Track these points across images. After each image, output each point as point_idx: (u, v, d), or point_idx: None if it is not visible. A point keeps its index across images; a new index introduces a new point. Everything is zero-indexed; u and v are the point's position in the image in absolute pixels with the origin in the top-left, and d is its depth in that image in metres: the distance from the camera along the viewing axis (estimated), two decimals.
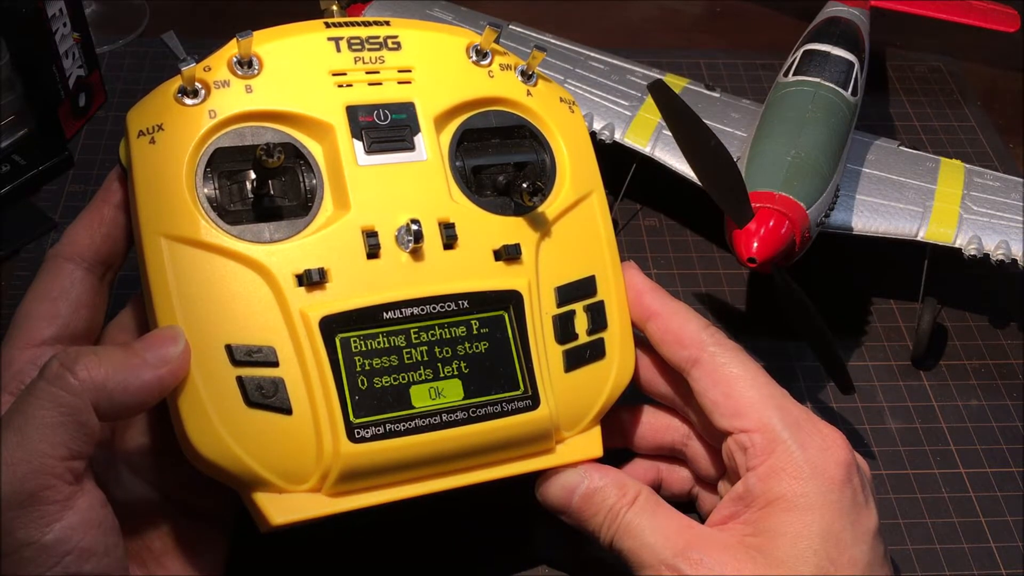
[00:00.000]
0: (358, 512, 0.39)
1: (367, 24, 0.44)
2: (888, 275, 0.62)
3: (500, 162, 0.44)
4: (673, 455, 0.48)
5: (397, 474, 0.39)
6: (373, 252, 0.40)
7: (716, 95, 0.64)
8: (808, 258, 0.53)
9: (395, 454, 0.39)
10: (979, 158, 0.71)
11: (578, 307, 0.43)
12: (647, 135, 0.61)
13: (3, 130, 0.63)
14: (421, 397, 0.40)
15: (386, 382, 0.39)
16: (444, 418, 0.40)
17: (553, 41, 0.67)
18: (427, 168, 0.42)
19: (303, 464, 0.38)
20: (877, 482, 0.51)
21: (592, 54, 0.67)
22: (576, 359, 0.43)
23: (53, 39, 0.62)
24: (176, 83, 0.40)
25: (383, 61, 0.43)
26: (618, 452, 0.47)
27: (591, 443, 0.43)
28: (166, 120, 0.39)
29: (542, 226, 0.44)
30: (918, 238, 0.56)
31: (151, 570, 0.41)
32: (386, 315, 0.40)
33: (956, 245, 0.56)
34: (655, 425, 0.47)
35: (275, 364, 0.38)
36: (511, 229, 0.43)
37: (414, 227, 0.40)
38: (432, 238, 0.41)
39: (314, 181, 0.41)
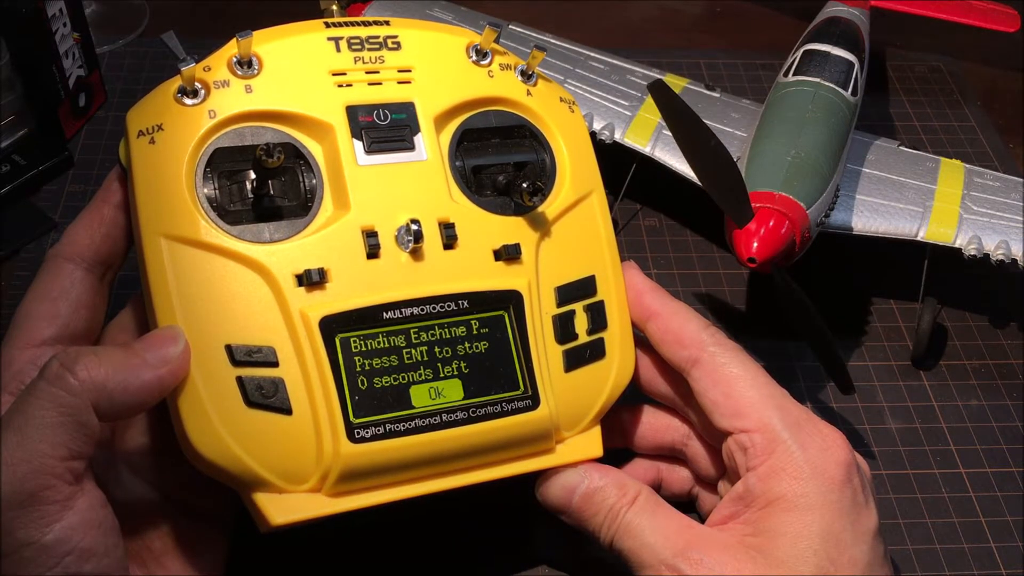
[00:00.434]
0: (358, 512, 0.39)
1: (367, 24, 0.43)
2: (888, 275, 0.62)
3: (500, 162, 0.44)
4: (673, 455, 0.48)
5: (397, 474, 0.39)
6: (373, 252, 0.40)
7: (716, 95, 0.64)
8: (808, 258, 0.53)
9: (395, 454, 0.39)
10: (979, 158, 0.71)
11: (578, 307, 0.43)
12: (647, 135, 0.61)
13: (3, 130, 0.63)
14: (421, 397, 0.40)
15: (386, 382, 0.39)
16: (444, 418, 0.40)
17: (553, 41, 0.67)
18: (427, 168, 0.42)
19: (303, 464, 0.38)
20: (877, 482, 0.51)
21: (592, 54, 0.67)
22: (576, 359, 0.43)
23: (53, 39, 0.62)
24: (176, 83, 0.40)
25: (383, 61, 0.43)
26: (618, 452, 0.47)
27: (591, 443, 0.43)
28: (166, 120, 0.39)
29: (542, 226, 0.44)
30: (918, 238, 0.56)
31: (151, 570, 0.41)
32: (386, 315, 0.40)
33: (956, 245, 0.56)
34: (655, 425, 0.47)
35: (275, 364, 0.38)
36: (511, 229, 0.43)
37: (414, 227, 0.40)
38: (432, 238, 0.41)
39: (314, 181, 0.41)
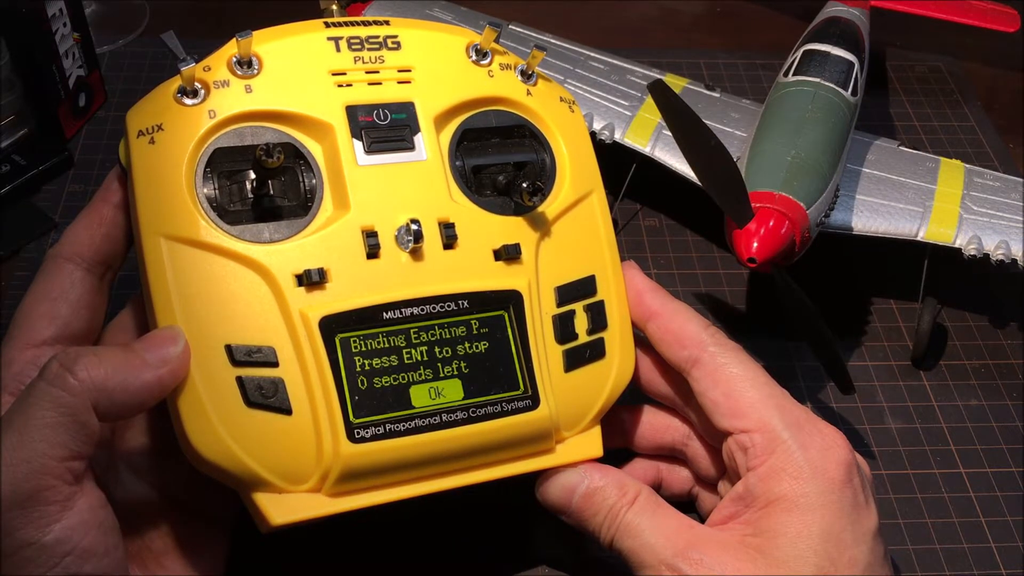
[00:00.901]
0: (358, 512, 0.39)
1: (367, 24, 0.43)
2: (888, 275, 0.62)
3: (500, 162, 0.44)
4: (673, 455, 0.48)
5: (397, 474, 0.39)
6: (373, 252, 0.40)
7: (716, 95, 0.64)
8: (808, 258, 0.53)
9: (395, 454, 0.39)
10: (979, 158, 0.71)
11: (578, 307, 0.43)
12: (647, 135, 0.61)
13: (3, 130, 0.63)
14: (421, 397, 0.40)
15: (386, 382, 0.39)
16: (444, 418, 0.40)
17: (553, 41, 0.67)
18: (427, 168, 0.42)
19: (303, 464, 0.38)
20: (877, 482, 0.51)
21: (592, 54, 0.67)
22: (576, 359, 0.43)
23: (53, 39, 0.62)
24: (176, 83, 0.40)
25: (383, 61, 0.43)
26: (618, 452, 0.47)
27: (591, 443, 0.43)
28: (166, 120, 0.39)
29: (542, 226, 0.44)
30: (918, 238, 0.56)
31: (151, 570, 0.41)
32: (386, 315, 0.40)
33: (956, 245, 0.56)
34: (655, 425, 0.47)
35: (275, 364, 0.38)
36: (511, 229, 0.43)
37: (414, 227, 0.40)
38: (432, 238, 0.41)
39: (314, 181, 0.41)
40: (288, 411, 0.38)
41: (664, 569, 0.39)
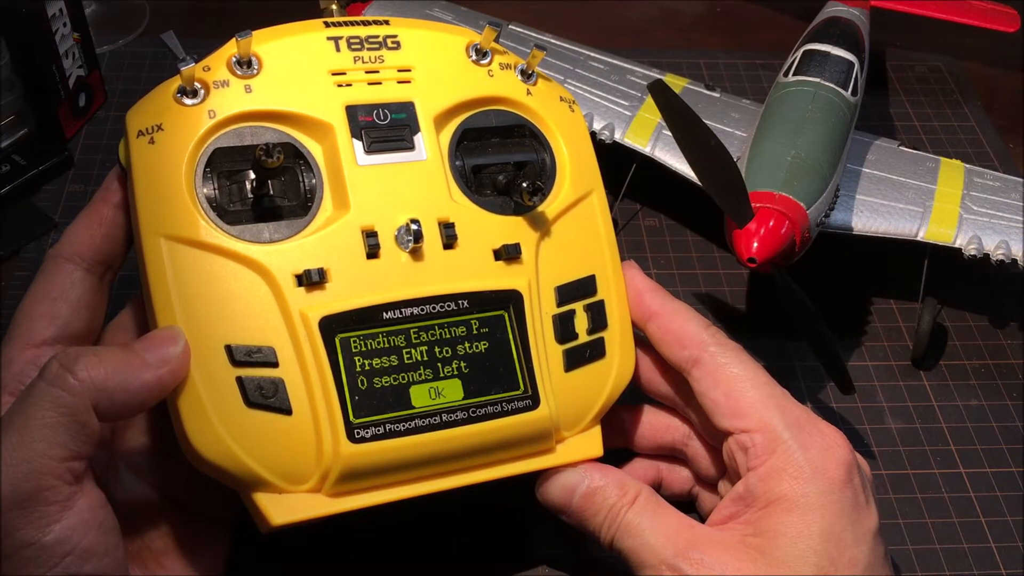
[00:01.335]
0: (358, 512, 0.39)
1: (366, 23, 0.43)
2: (888, 275, 0.62)
3: (500, 161, 0.44)
4: (673, 455, 0.48)
5: (397, 474, 0.39)
6: (373, 252, 0.40)
7: (716, 95, 0.64)
8: (808, 258, 0.53)
9: (395, 454, 0.39)
10: (979, 158, 0.71)
11: (578, 306, 0.43)
12: (647, 135, 0.61)
13: (3, 130, 0.63)
14: (421, 397, 0.40)
15: (386, 382, 0.39)
16: (444, 418, 0.40)
17: (553, 41, 0.67)
18: (427, 168, 0.42)
19: (303, 464, 0.38)
20: (877, 482, 0.51)
21: (592, 54, 0.67)
22: (576, 359, 0.43)
23: (53, 39, 0.62)
24: (175, 83, 0.40)
25: (383, 60, 0.43)
26: (618, 452, 0.47)
27: (591, 443, 0.43)
28: (165, 120, 0.39)
29: (542, 225, 0.44)
30: (918, 238, 0.56)
31: (151, 570, 0.41)
32: (386, 315, 0.40)
33: (956, 245, 0.56)
34: (655, 425, 0.47)
35: (275, 364, 0.38)
36: (511, 229, 0.43)
37: (414, 227, 0.40)
38: (432, 238, 0.41)
39: (314, 181, 0.41)
40: (288, 411, 0.38)
41: (664, 569, 0.39)
